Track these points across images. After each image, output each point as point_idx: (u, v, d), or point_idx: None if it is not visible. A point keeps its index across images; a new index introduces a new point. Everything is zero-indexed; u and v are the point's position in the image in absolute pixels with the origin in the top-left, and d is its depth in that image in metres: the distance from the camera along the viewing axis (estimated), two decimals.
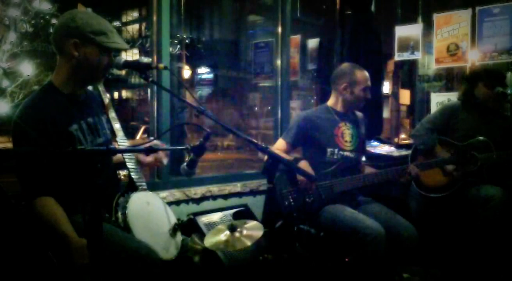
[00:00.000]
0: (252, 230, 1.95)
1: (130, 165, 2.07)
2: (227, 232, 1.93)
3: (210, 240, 1.92)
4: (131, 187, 2.04)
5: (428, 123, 3.26)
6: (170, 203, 2.84)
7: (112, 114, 2.14)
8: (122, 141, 2.09)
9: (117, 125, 2.12)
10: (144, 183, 2.06)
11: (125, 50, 2.07)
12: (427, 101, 4.69)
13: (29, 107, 1.88)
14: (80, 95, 2.00)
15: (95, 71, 1.94)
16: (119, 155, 2.17)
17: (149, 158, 2.19)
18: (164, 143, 2.31)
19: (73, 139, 1.90)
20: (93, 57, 1.90)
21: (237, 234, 1.92)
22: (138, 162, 2.15)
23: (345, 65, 2.92)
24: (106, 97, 2.16)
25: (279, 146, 2.82)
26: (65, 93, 1.94)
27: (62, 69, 1.93)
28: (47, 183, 1.79)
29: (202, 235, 2.35)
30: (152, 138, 2.31)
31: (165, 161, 2.19)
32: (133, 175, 2.05)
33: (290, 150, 2.82)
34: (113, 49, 1.92)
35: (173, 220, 2.08)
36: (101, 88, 2.17)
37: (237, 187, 3.34)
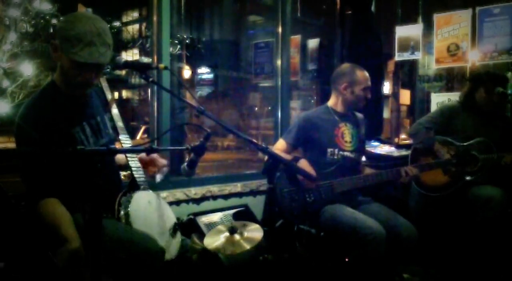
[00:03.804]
0: (252, 232, 1.95)
1: (132, 164, 2.07)
2: (227, 234, 1.93)
3: (209, 242, 1.92)
4: (133, 186, 2.04)
5: (426, 122, 3.26)
6: (170, 203, 2.84)
7: (115, 111, 2.13)
8: (125, 140, 2.09)
9: (119, 123, 2.11)
10: (146, 183, 2.06)
11: (91, 63, 1.80)
12: (428, 101, 4.69)
13: (30, 107, 1.88)
14: (82, 95, 1.99)
15: (71, 80, 1.88)
16: (122, 156, 2.17)
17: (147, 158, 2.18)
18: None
19: (75, 142, 1.90)
20: (65, 64, 1.84)
21: (236, 237, 1.92)
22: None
23: (345, 65, 2.92)
24: (109, 93, 2.14)
25: (280, 146, 2.82)
26: (67, 93, 1.93)
27: (58, 69, 1.92)
28: (52, 184, 1.79)
29: (202, 235, 2.36)
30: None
31: (158, 176, 2.17)
32: (135, 174, 2.05)
33: (290, 150, 2.82)
34: (74, 60, 1.78)
35: (174, 220, 2.08)
36: (104, 83, 2.15)
37: (237, 187, 3.34)
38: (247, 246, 1.88)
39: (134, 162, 2.08)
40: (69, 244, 1.70)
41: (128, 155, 2.08)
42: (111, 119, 2.12)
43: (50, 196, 1.79)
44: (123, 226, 1.85)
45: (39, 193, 1.79)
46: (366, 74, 2.82)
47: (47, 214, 1.77)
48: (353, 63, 2.93)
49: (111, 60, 1.93)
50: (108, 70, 2.07)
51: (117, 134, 2.09)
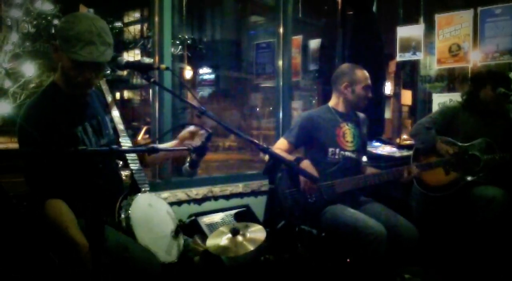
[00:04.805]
0: (255, 233, 1.94)
1: (133, 166, 2.06)
2: (229, 236, 1.93)
3: (212, 244, 1.92)
4: (134, 188, 2.03)
5: (427, 122, 3.25)
6: (171, 204, 2.84)
7: (115, 113, 2.13)
8: (125, 142, 2.09)
9: (120, 126, 2.11)
10: (147, 185, 2.06)
11: (91, 62, 1.81)
12: (429, 102, 4.69)
13: (32, 108, 1.88)
14: (83, 96, 2.00)
15: (71, 80, 1.88)
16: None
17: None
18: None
19: (77, 141, 1.90)
20: (65, 64, 1.85)
21: (239, 238, 1.91)
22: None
23: (344, 65, 2.93)
24: (109, 96, 2.15)
25: (281, 145, 2.82)
26: (68, 94, 1.93)
27: (59, 69, 1.93)
28: (56, 185, 1.79)
29: (203, 236, 2.35)
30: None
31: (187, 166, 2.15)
32: (136, 177, 2.04)
33: (292, 150, 2.82)
34: (74, 60, 1.79)
35: (175, 222, 2.07)
36: (104, 86, 2.15)
37: (238, 187, 3.34)
38: (250, 247, 1.87)
39: (134, 164, 2.07)
40: (83, 247, 1.69)
41: (128, 157, 2.07)
42: (111, 120, 2.12)
43: (55, 197, 1.79)
44: (121, 239, 1.83)
45: (43, 194, 1.79)
46: (366, 73, 2.82)
47: (53, 215, 1.77)
48: (352, 63, 2.94)
49: (112, 60, 1.93)
50: (108, 72, 2.07)
51: (118, 136, 2.09)
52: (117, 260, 1.69)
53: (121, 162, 2.08)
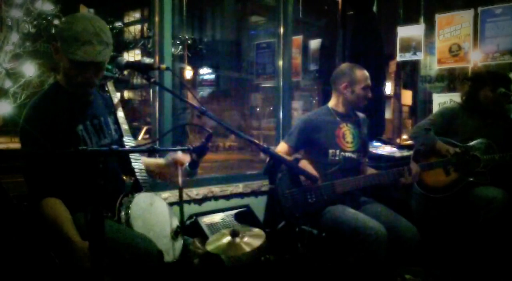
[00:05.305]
0: (253, 237, 1.94)
1: (136, 165, 2.06)
2: (229, 238, 1.93)
3: (211, 245, 1.92)
4: (136, 187, 2.03)
5: (427, 124, 3.25)
6: (172, 204, 2.84)
7: (120, 114, 2.13)
8: (129, 142, 2.09)
9: (124, 126, 2.11)
10: (149, 185, 2.06)
11: (89, 62, 1.81)
12: (429, 102, 4.69)
13: (34, 108, 1.89)
14: (86, 95, 2.00)
15: (72, 80, 1.90)
16: (147, 160, 2.16)
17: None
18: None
19: (78, 140, 1.90)
20: (65, 64, 1.87)
21: (237, 240, 1.91)
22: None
23: (344, 65, 2.92)
24: (116, 97, 2.15)
25: (281, 149, 2.83)
26: (71, 93, 1.94)
27: (61, 69, 1.94)
28: (53, 184, 1.80)
29: (203, 236, 2.35)
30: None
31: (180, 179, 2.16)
32: (139, 176, 2.04)
33: (292, 153, 2.82)
34: (72, 60, 1.80)
35: (176, 222, 2.07)
36: (110, 87, 2.16)
37: (239, 187, 3.34)
38: (247, 249, 1.87)
39: (137, 164, 2.07)
40: (79, 244, 1.69)
41: (132, 157, 2.07)
42: (115, 121, 2.12)
43: (52, 196, 1.80)
44: (120, 228, 1.84)
45: (40, 193, 1.79)
46: (366, 73, 2.82)
47: (48, 213, 1.77)
48: (352, 63, 2.94)
49: (112, 60, 1.93)
50: (110, 73, 2.08)
51: (122, 136, 2.10)
52: (114, 248, 1.69)
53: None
